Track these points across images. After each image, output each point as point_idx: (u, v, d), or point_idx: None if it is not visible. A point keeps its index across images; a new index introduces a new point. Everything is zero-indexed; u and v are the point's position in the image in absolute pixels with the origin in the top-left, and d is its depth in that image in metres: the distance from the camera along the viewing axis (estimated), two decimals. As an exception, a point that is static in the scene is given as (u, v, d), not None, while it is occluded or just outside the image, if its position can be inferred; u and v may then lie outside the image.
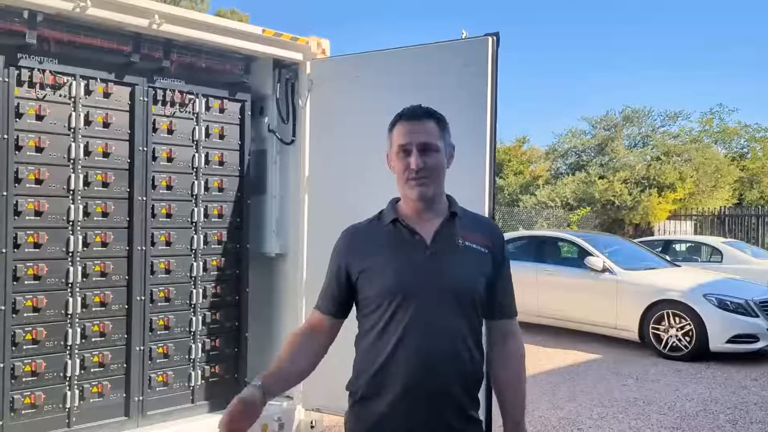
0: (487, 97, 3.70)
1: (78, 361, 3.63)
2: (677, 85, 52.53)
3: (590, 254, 9.19)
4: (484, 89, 3.70)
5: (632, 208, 21.65)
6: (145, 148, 3.87)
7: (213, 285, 4.19)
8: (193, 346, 4.09)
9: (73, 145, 3.60)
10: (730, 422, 5.48)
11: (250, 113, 4.37)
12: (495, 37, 3.73)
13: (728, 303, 7.98)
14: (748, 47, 54.79)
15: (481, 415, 2.00)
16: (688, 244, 13.89)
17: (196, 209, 4.10)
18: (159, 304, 3.95)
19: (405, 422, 1.82)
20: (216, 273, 4.21)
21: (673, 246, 13.72)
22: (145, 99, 3.87)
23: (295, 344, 1.97)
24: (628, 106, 26.35)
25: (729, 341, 7.83)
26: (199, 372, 4.12)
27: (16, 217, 3.41)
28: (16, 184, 3.41)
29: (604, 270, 8.90)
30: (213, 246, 4.19)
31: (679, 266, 10.15)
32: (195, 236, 4.10)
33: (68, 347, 3.60)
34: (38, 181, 3.49)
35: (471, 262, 1.89)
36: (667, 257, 11.15)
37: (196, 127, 4.10)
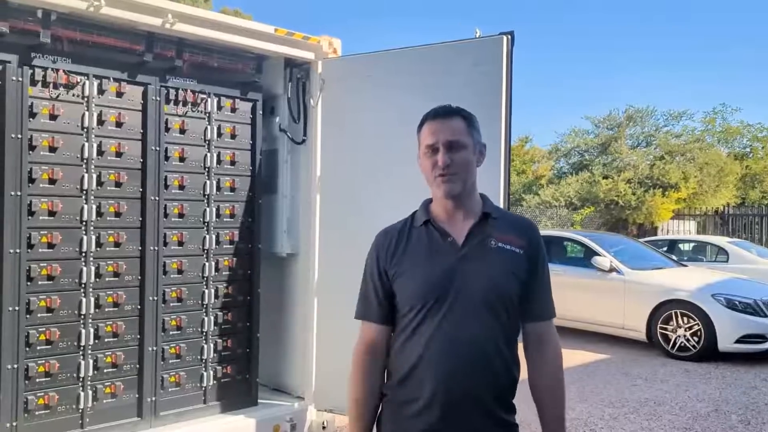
0: (501, 96, 3.67)
1: (91, 361, 3.61)
2: (680, 85, 52.45)
3: (597, 254, 9.18)
4: (498, 88, 3.68)
5: (636, 207, 21.64)
6: (158, 148, 3.85)
7: (225, 285, 4.17)
8: (205, 346, 4.08)
9: (86, 144, 3.58)
10: (742, 423, 5.46)
11: (261, 113, 4.35)
12: (510, 36, 3.71)
13: (737, 303, 7.96)
14: (749, 47, 54.68)
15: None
16: (693, 244, 13.85)
17: (208, 209, 4.08)
18: (171, 304, 3.94)
19: (439, 425, 1.80)
20: (228, 273, 4.19)
21: (678, 246, 13.70)
22: (158, 98, 3.85)
23: (369, 376, 1.94)
24: (632, 106, 26.34)
25: (738, 341, 7.80)
26: (211, 372, 4.10)
27: (29, 217, 3.39)
28: (30, 184, 3.39)
29: (611, 270, 8.88)
30: (225, 246, 4.17)
31: (686, 266, 10.14)
32: (207, 236, 4.08)
33: (81, 348, 3.58)
34: (52, 181, 3.47)
35: (503, 263, 1.86)
36: (673, 257, 11.13)
37: (208, 127, 4.09)
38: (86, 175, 3.58)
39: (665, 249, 12.59)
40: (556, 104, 55.94)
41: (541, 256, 1.94)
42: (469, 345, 1.80)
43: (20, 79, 3.35)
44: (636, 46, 57.37)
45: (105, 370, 3.67)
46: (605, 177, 23.30)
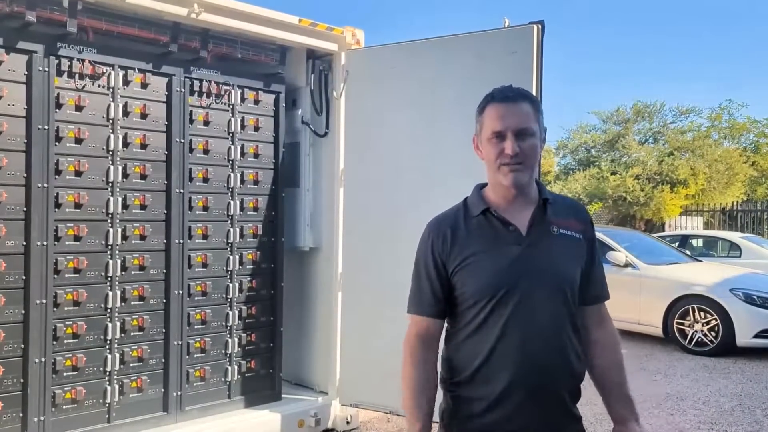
0: (532, 86, 3.62)
1: (117, 355, 3.57)
2: (687, 82, 52.08)
3: (612, 249, 9.10)
4: (529, 78, 3.62)
5: (644, 203, 21.54)
6: (183, 140, 3.82)
7: (249, 279, 4.14)
8: (230, 340, 4.04)
9: (111, 136, 3.55)
10: None
11: (284, 105, 4.30)
12: (540, 26, 3.66)
13: (755, 297, 7.87)
14: (754, 44, 54.32)
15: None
16: (705, 239, 13.76)
17: (232, 202, 4.04)
18: (196, 298, 3.90)
19: (512, 419, 1.74)
20: (252, 267, 4.15)
21: (690, 241, 13.60)
22: (182, 90, 3.81)
23: (424, 367, 1.85)
24: (640, 101, 26.18)
25: (756, 336, 7.72)
26: (236, 367, 4.06)
27: (56, 210, 3.36)
28: (56, 176, 3.36)
29: (627, 265, 8.80)
30: (249, 239, 4.13)
31: (700, 261, 10.06)
32: (231, 229, 4.04)
33: (108, 341, 3.55)
34: (78, 173, 3.43)
35: (568, 250, 1.82)
36: (687, 252, 11.06)
37: (232, 119, 4.04)
38: (112, 167, 3.54)
39: (677, 244, 12.51)
40: (559, 100, 55.60)
41: (595, 239, 1.93)
42: (546, 335, 1.75)
43: (46, 69, 3.31)
44: (642, 42, 57.00)
45: (131, 364, 3.64)
46: (613, 173, 23.18)
